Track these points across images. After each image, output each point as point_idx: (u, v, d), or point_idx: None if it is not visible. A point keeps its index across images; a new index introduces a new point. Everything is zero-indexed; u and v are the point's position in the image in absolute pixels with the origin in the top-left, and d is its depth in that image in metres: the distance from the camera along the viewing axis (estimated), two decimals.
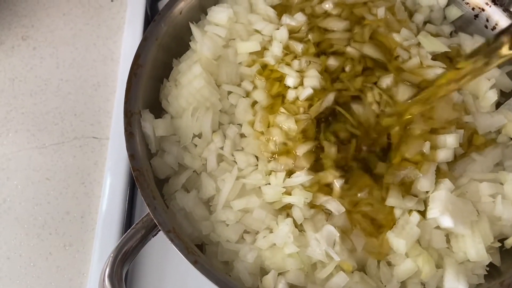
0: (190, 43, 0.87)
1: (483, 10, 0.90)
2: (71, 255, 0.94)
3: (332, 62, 0.85)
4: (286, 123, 0.79)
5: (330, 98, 0.81)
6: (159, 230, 0.67)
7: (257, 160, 0.79)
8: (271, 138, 0.79)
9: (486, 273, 0.73)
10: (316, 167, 0.77)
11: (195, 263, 0.64)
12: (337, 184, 0.75)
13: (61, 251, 0.94)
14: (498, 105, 0.86)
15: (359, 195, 0.75)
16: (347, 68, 0.85)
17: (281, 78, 0.85)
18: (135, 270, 0.89)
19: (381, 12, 0.90)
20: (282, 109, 0.80)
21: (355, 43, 0.87)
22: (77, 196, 1.00)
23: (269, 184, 0.76)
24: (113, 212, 0.92)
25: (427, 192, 0.76)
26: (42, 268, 0.93)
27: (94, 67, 1.15)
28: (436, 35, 0.92)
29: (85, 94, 1.11)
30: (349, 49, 0.87)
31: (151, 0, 1.13)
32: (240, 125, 0.83)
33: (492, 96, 0.84)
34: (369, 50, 0.87)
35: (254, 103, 0.84)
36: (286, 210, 0.76)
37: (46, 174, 1.01)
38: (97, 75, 1.13)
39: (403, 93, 0.81)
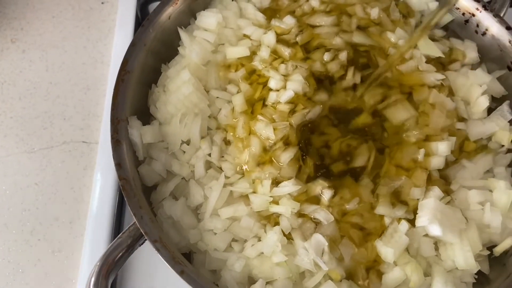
0: (178, 48, 0.87)
1: (473, 15, 0.90)
2: (60, 262, 0.93)
3: (318, 67, 0.85)
4: (265, 131, 0.78)
5: (317, 110, 0.81)
6: (146, 239, 0.67)
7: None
8: (248, 147, 0.78)
9: (474, 281, 0.73)
10: (303, 176, 0.77)
11: (181, 273, 0.63)
12: (326, 195, 0.75)
13: (49, 258, 0.94)
14: (490, 110, 0.86)
15: (347, 206, 0.74)
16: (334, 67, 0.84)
17: (265, 83, 0.85)
18: (125, 277, 0.88)
19: (374, 12, 0.90)
20: (260, 116, 0.79)
21: (344, 34, 0.87)
22: (66, 201, 0.99)
23: (256, 193, 0.76)
24: (103, 218, 0.91)
25: (417, 199, 0.75)
26: (31, 275, 0.92)
27: (83, 70, 1.14)
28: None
29: (74, 98, 1.10)
30: (336, 40, 0.86)
31: (141, 3, 1.12)
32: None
33: (484, 102, 0.83)
34: (358, 38, 0.87)
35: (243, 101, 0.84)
36: (274, 217, 0.75)
37: (35, 179, 1.00)
38: (87, 79, 1.12)
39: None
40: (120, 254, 0.65)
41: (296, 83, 0.82)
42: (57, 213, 0.98)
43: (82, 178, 1.01)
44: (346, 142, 0.80)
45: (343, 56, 0.86)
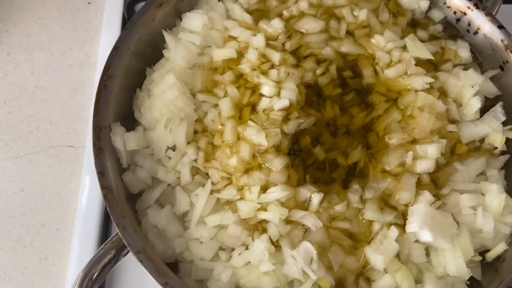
0: (163, 51, 0.84)
1: (465, 14, 0.88)
2: (47, 269, 0.92)
3: (309, 77, 0.84)
4: (256, 137, 0.77)
5: (311, 120, 0.81)
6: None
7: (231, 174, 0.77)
8: (237, 153, 0.77)
9: (466, 287, 0.72)
10: (292, 182, 0.75)
11: (165, 285, 0.62)
12: (315, 199, 0.73)
13: (36, 265, 0.92)
14: (485, 111, 0.85)
15: (336, 208, 0.73)
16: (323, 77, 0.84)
17: (254, 88, 0.83)
18: (114, 282, 0.87)
19: (362, 15, 0.88)
20: (251, 122, 0.78)
21: (333, 41, 0.86)
22: (52, 207, 0.97)
23: (244, 199, 0.74)
24: (90, 224, 0.90)
25: (406, 204, 0.74)
26: (18, 283, 0.90)
27: (70, 72, 1.11)
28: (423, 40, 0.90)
29: (61, 101, 1.08)
30: (326, 50, 0.85)
31: (128, 3, 1.09)
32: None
33: (475, 104, 0.82)
34: (347, 47, 0.86)
35: (231, 106, 0.82)
36: (263, 225, 0.74)
37: (21, 185, 0.99)
38: (73, 81, 1.10)
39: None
40: (103, 265, 0.64)
41: (291, 92, 0.81)
42: (44, 220, 0.96)
43: (69, 183, 0.99)
44: (335, 149, 0.79)
45: (333, 69, 0.85)
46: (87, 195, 0.92)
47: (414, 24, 0.93)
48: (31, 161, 1.01)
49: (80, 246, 0.87)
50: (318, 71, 0.85)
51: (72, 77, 1.11)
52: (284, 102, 0.80)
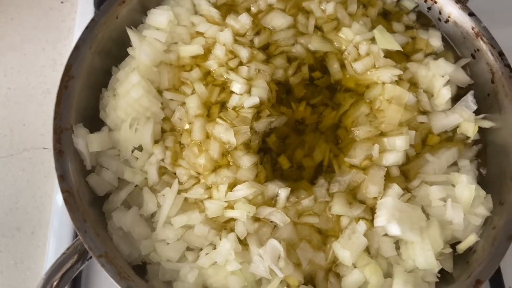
0: (128, 49, 0.83)
1: (435, 2, 0.86)
2: (22, 273, 0.91)
3: (280, 75, 0.83)
4: (225, 135, 0.75)
5: (282, 119, 0.80)
6: None
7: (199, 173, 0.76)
8: (206, 151, 0.75)
9: (437, 280, 0.71)
10: (261, 179, 0.74)
11: None
12: (282, 194, 0.72)
13: (12, 269, 0.91)
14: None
15: (303, 203, 0.72)
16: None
17: (223, 85, 0.81)
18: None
19: (330, 8, 0.86)
20: (219, 120, 0.77)
21: (301, 37, 0.85)
22: (27, 211, 0.96)
23: (211, 198, 0.73)
24: (65, 227, 0.89)
25: (375, 198, 0.73)
26: None
27: (43, 73, 1.10)
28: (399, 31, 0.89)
29: (34, 102, 1.06)
30: (296, 48, 0.84)
31: (97, 2, 1.07)
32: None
33: (446, 93, 0.81)
34: (315, 44, 0.84)
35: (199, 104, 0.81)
36: (230, 224, 0.73)
37: None
38: (46, 82, 1.09)
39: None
40: (65, 271, 0.63)
41: (261, 90, 0.80)
42: (19, 223, 0.95)
43: (43, 186, 0.98)
44: (303, 148, 0.79)
45: (305, 69, 0.84)
46: (61, 198, 0.91)
47: (386, 14, 0.91)
48: (5, 164, 1.00)
49: (55, 250, 0.86)
50: (290, 71, 0.83)
51: (45, 78, 1.09)
52: (254, 100, 0.79)
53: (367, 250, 0.71)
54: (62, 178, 0.67)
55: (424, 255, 0.68)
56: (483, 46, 0.81)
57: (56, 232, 0.88)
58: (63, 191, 0.66)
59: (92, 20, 0.79)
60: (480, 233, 0.72)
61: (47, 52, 1.13)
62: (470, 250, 0.72)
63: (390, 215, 0.68)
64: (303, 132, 0.80)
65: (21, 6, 1.19)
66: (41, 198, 0.97)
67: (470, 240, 0.71)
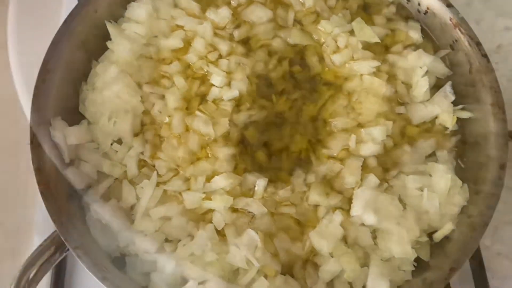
0: (107, 43, 0.83)
1: None
2: (6, 272, 0.91)
3: (260, 68, 0.84)
4: (204, 127, 0.76)
5: (262, 113, 0.80)
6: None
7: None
8: (185, 144, 0.76)
9: (414, 268, 0.71)
10: (239, 171, 0.75)
11: (103, 279, 0.61)
12: (260, 184, 0.73)
13: None
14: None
15: (280, 193, 0.72)
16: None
17: (203, 78, 0.82)
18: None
19: (309, 1, 0.87)
20: (198, 112, 0.77)
21: (281, 31, 0.85)
22: (9, 207, 0.96)
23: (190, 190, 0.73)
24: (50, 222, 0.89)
25: (352, 188, 0.73)
26: None
27: None
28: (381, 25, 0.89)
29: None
30: (276, 42, 0.84)
31: None
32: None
33: (424, 84, 0.81)
34: (295, 38, 0.85)
35: (179, 97, 0.81)
36: (209, 215, 0.73)
37: None
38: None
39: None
40: (41, 263, 0.63)
41: (241, 83, 0.80)
42: (2, 218, 0.95)
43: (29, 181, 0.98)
44: (283, 139, 0.79)
45: (285, 63, 0.84)
46: None
47: (366, 8, 0.91)
48: None
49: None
50: (271, 66, 0.84)
51: None
52: (234, 93, 0.80)
53: (345, 239, 0.72)
54: (39, 170, 0.67)
55: (399, 243, 0.69)
56: (461, 36, 0.82)
57: (41, 229, 0.88)
58: (40, 184, 0.67)
59: (70, 15, 0.79)
60: (456, 222, 0.73)
61: None
62: (447, 238, 0.73)
63: (366, 205, 0.69)
64: (282, 124, 0.81)
65: None
66: (25, 194, 0.97)
67: (446, 228, 0.72)
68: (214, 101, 0.80)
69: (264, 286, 0.66)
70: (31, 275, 0.62)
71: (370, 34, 0.83)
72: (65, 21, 0.79)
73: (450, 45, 0.84)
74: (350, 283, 0.70)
